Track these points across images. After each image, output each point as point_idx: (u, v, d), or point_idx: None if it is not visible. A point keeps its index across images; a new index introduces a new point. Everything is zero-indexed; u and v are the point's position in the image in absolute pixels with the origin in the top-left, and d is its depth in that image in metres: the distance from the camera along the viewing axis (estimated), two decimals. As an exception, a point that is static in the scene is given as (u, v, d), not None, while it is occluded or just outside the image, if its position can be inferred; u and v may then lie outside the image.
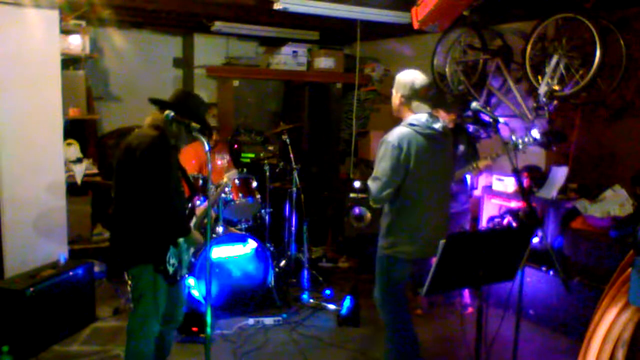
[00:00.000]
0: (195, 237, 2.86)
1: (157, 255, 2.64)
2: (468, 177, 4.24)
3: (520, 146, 3.65)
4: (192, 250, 2.92)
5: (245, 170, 4.55)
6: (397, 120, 3.00)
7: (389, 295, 3.00)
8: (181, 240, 2.76)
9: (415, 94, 2.89)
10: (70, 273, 3.82)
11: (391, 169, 2.81)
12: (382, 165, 2.83)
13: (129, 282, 2.70)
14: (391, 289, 3.00)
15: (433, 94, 3.28)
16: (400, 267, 2.94)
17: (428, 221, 2.93)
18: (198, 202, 3.90)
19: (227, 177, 3.92)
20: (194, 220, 3.05)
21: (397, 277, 2.97)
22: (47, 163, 4.34)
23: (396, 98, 2.97)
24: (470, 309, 4.32)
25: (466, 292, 4.42)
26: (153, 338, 2.77)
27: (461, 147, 4.17)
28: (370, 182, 2.90)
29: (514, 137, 3.64)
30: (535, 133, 3.57)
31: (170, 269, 2.70)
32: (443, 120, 3.01)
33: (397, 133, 2.85)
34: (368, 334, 4.00)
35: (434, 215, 2.96)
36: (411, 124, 2.86)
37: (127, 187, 2.65)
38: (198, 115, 2.75)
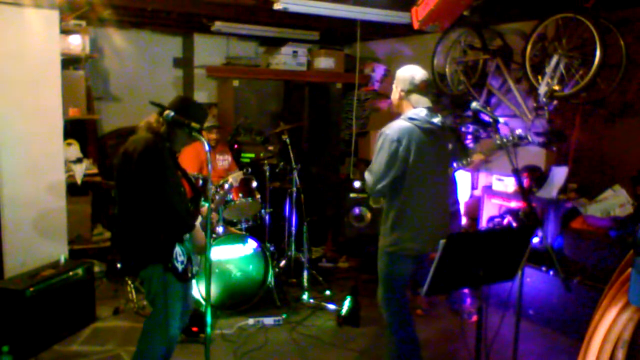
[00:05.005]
0: (200, 236, 2.86)
1: (163, 254, 2.64)
2: (457, 175, 4.20)
3: (509, 143, 3.63)
4: (199, 258, 2.92)
5: (249, 170, 4.54)
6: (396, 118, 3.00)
7: (392, 293, 3.00)
8: (187, 237, 2.77)
9: (415, 88, 2.93)
10: (70, 273, 3.82)
11: (387, 163, 2.83)
12: (378, 158, 2.86)
13: (132, 285, 2.67)
14: (393, 287, 3.00)
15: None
16: (403, 264, 2.95)
17: (431, 216, 2.94)
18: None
19: (231, 178, 3.88)
20: (199, 219, 3.05)
21: (400, 275, 2.98)
22: (47, 163, 4.33)
23: (396, 93, 3.01)
24: (474, 317, 4.30)
25: (469, 300, 4.41)
26: (166, 341, 2.75)
27: (449, 145, 4.15)
28: (366, 174, 2.95)
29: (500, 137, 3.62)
30: (519, 132, 3.55)
31: (180, 266, 2.70)
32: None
33: (397, 127, 2.86)
34: (368, 334, 3.99)
35: (436, 210, 2.98)
36: (411, 118, 2.88)
37: (130, 191, 2.66)
38: (198, 118, 2.76)
